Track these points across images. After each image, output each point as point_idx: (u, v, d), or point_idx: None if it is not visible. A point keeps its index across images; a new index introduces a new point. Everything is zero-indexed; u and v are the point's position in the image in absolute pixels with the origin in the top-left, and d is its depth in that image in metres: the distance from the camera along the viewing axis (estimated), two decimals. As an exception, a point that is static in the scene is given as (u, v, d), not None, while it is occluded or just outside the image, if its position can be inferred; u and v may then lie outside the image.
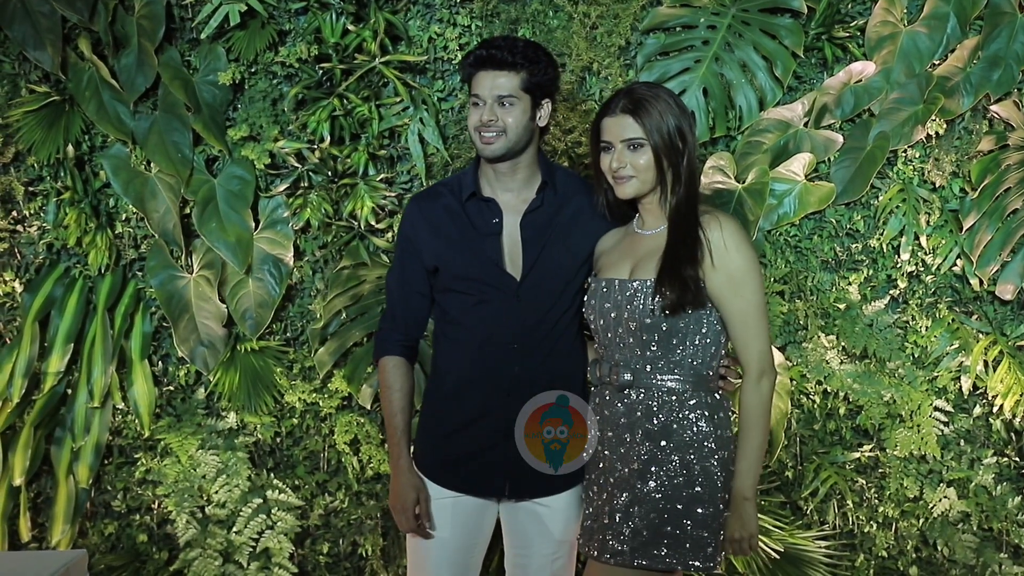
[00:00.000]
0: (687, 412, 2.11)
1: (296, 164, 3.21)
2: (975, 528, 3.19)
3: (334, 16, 3.14)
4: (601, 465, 2.20)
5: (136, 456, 3.32)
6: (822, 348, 3.18)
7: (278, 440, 3.33)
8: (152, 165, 3.22)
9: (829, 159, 3.15)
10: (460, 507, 2.31)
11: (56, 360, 3.25)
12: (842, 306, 3.17)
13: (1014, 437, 3.20)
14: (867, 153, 3.11)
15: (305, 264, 3.27)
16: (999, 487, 3.18)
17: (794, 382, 3.17)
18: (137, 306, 3.29)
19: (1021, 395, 3.12)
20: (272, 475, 3.31)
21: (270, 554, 3.26)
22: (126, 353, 3.28)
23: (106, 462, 3.33)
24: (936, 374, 3.17)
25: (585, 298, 2.24)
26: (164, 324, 3.29)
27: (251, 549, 3.26)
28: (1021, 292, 3.14)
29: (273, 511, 3.26)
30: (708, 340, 2.13)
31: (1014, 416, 3.15)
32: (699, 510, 2.07)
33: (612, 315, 2.15)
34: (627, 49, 3.17)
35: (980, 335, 3.17)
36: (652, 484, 2.08)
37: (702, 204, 2.17)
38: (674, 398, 2.11)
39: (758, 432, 2.11)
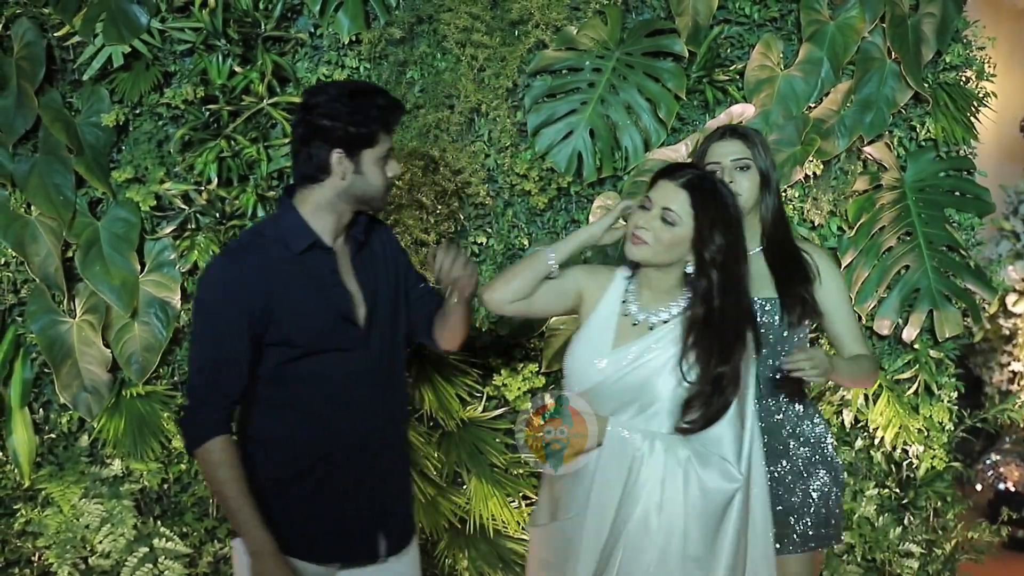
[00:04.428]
0: (802, 413, 2.47)
1: (183, 206, 3.17)
2: (859, 559, 3.25)
3: (220, 58, 3.12)
4: None
5: (15, 507, 3.22)
6: (709, 384, 3.22)
7: (165, 487, 3.26)
8: (33, 208, 3.15)
9: (713, 199, 3.21)
10: None
11: (-70, 409, 3.15)
12: (728, 343, 3.23)
13: (894, 469, 3.28)
14: (749, 193, 3.19)
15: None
16: (881, 518, 3.25)
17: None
18: (17, 352, 3.20)
19: (900, 427, 3.20)
20: (159, 523, 3.23)
21: (157, 604, 3.19)
22: (5, 401, 3.18)
23: (-17, 514, 3.23)
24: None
25: None
26: (45, 370, 3.21)
27: (137, 600, 3.18)
28: (897, 327, 3.23)
29: (160, 560, 3.19)
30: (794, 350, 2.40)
31: (894, 448, 3.23)
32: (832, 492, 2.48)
33: None
34: (515, 91, 3.21)
35: (861, 369, 3.25)
36: (817, 483, 2.45)
37: None
38: (796, 404, 2.46)
39: None
